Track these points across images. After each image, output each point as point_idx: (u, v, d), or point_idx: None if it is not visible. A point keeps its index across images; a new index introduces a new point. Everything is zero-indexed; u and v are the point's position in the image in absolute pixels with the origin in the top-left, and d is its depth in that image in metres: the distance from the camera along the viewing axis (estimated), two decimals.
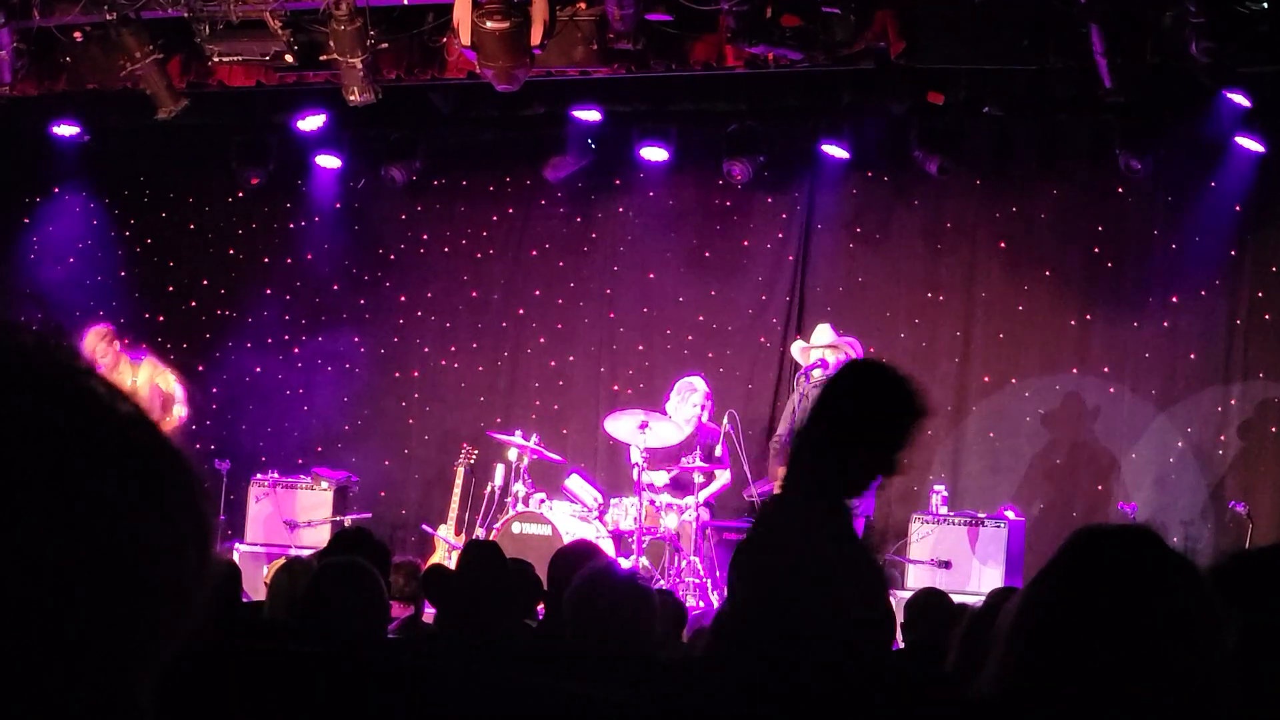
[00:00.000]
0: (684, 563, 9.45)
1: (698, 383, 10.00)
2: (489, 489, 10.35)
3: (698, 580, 9.35)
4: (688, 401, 9.91)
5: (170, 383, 10.46)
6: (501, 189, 11.78)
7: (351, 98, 9.28)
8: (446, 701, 2.27)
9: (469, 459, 10.51)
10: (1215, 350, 10.22)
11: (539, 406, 11.55)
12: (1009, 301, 10.72)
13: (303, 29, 9.24)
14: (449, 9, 8.64)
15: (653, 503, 9.67)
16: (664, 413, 9.87)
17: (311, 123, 10.87)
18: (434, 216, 11.90)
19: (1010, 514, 9.66)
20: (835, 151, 10.72)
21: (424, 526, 10.72)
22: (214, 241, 12.17)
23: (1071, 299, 10.57)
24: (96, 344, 10.25)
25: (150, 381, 10.39)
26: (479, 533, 10.01)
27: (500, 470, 10.31)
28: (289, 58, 9.29)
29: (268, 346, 11.89)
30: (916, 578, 9.44)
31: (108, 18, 9.08)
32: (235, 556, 10.11)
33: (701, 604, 9.08)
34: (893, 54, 8.75)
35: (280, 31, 9.14)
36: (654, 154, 11.03)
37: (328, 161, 11.65)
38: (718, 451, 9.98)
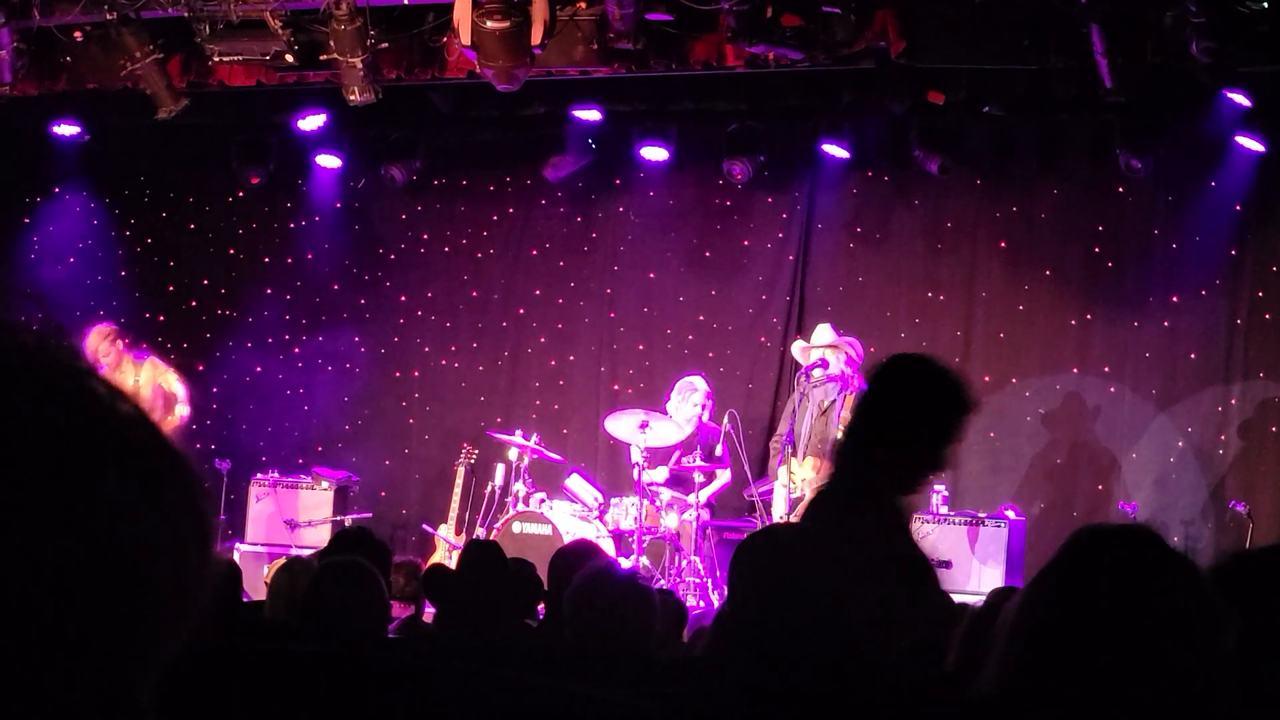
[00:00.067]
0: (684, 562, 9.45)
1: (698, 382, 10.01)
2: (489, 489, 10.35)
3: (698, 580, 9.35)
4: (688, 401, 9.91)
5: (172, 382, 10.47)
6: (502, 189, 11.78)
7: (352, 97, 9.28)
8: (447, 701, 2.27)
9: (469, 459, 10.51)
10: (1216, 350, 10.22)
11: (539, 406, 11.56)
12: (1009, 301, 10.72)
13: (303, 29, 9.24)
14: (449, 9, 8.64)
15: (653, 502, 9.67)
16: (664, 412, 9.87)
17: (312, 122, 10.87)
18: (434, 216, 11.90)
19: (1010, 514, 9.66)
20: (835, 151, 10.72)
21: (424, 526, 10.72)
22: (214, 241, 12.17)
23: (1072, 298, 10.57)
24: (99, 343, 10.26)
25: (153, 381, 10.40)
26: (479, 532, 10.02)
27: (501, 470, 10.31)
28: (289, 57, 9.29)
29: (268, 346, 11.89)
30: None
31: (108, 17, 9.08)
32: (236, 556, 10.12)
33: (702, 604, 9.08)
34: (893, 54, 8.75)
35: (280, 31, 9.14)
36: (654, 153, 11.03)
37: (328, 161, 11.65)
38: (718, 451, 9.98)
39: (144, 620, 0.86)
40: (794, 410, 9.36)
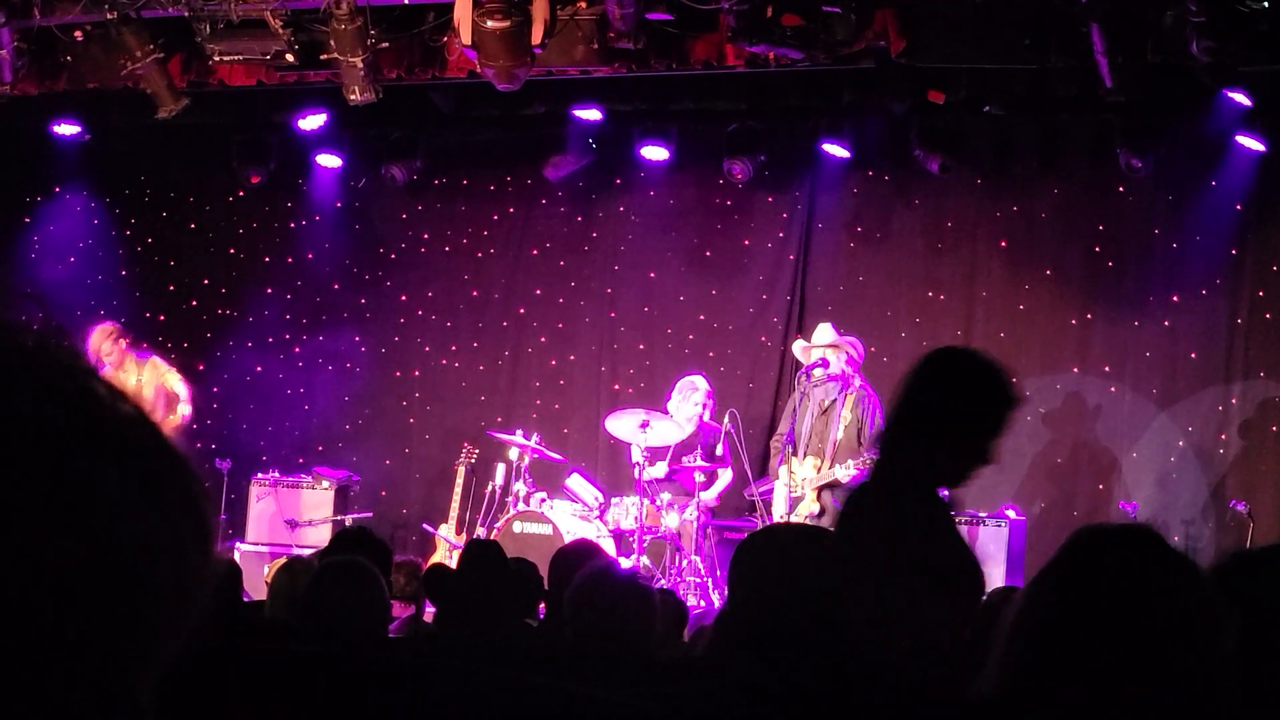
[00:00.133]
0: (685, 562, 9.45)
1: (699, 381, 10.01)
2: (490, 488, 10.35)
3: (699, 579, 9.35)
4: (689, 400, 9.91)
5: (175, 382, 10.47)
6: (502, 188, 11.78)
7: (352, 97, 9.28)
8: (447, 701, 2.27)
9: (470, 458, 10.51)
10: (1216, 349, 10.22)
11: (540, 406, 11.56)
12: (1010, 300, 10.72)
13: (303, 28, 9.24)
14: (449, 8, 8.64)
15: (654, 501, 9.67)
16: (665, 412, 9.88)
17: (312, 122, 10.87)
18: (435, 215, 11.90)
19: (1011, 513, 9.66)
20: (836, 151, 10.72)
21: (425, 526, 10.72)
22: (215, 241, 12.18)
23: (1072, 298, 10.57)
24: (102, 342, 10.27)
25: (155, 380, 10.41)
26: (480, 532, 10.02)
27: (501, 469, 10.31)
28: (290, 57, 9.28)
29: (268, 346, 11.90)
30: None
31: (108, 17, 9.08)
32: (236, 556, 10.12)
33: (702, 603, 9.08)
34: (893, 53, 8.74)
35: (281, 31, 9.14)
36: (655, 153, 11.03)
37: (328, 161, 11.65)
38: (719, 450, 9.98)
39: (144, 620, 0.87)
40: (794, 410, 9.36)
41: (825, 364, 9.32)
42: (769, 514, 9.31)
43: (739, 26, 8.49)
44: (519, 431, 10.30)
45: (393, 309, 11.92)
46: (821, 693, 2.63)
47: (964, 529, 9.52)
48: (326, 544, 6.86)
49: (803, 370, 9.51)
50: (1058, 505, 10.36)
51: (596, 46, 8.91)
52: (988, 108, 9.79)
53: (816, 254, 11.18)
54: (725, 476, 9.96)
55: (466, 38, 8.48)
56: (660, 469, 9.80)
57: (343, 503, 10.85)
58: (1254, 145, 9.72)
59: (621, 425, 9.86)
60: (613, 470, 10.91)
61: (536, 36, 8.44)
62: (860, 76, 9.56)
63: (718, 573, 9.34)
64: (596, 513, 9.80)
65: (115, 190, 12.23)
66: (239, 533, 10.77)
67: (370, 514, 10.80)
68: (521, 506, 9.84)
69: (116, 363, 10.31)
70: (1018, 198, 10.71)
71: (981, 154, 10.71)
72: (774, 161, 10.94)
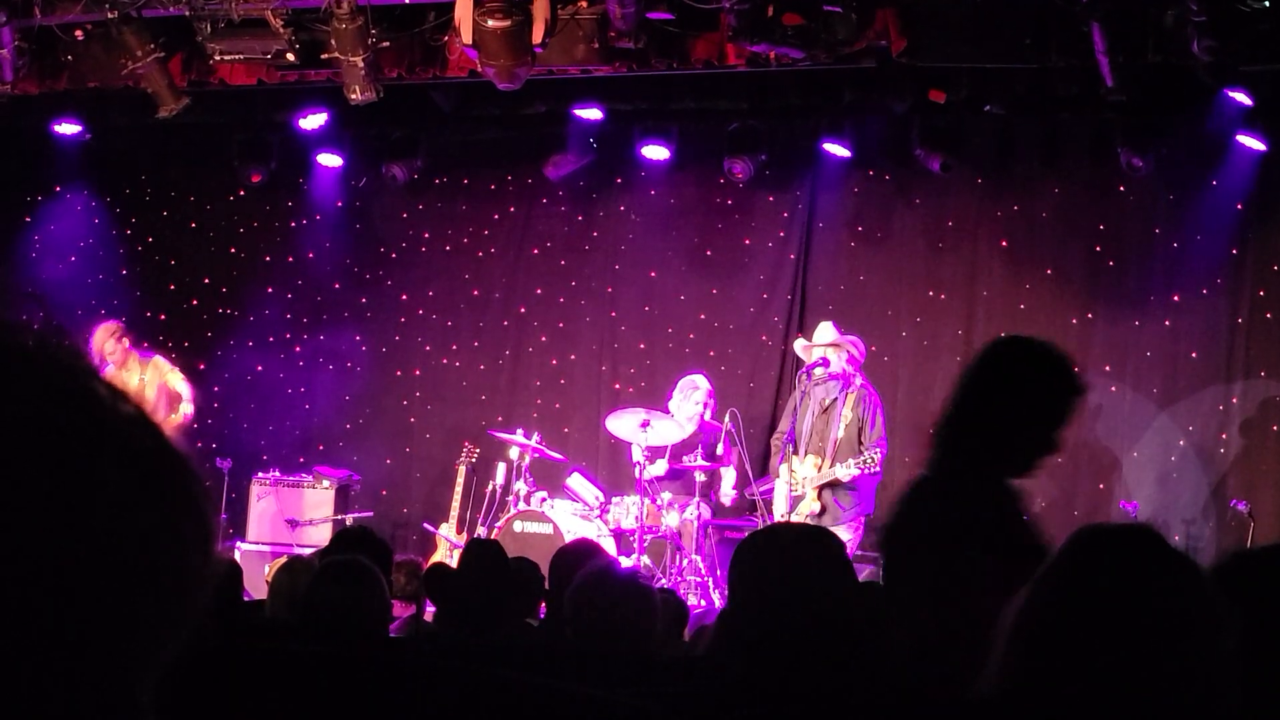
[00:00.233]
0: (685, 561, 9.45)
1: (700, 381, 10.01)
2: (490, 488, 10.35)
3: (699, 579, 9.35)
4: (690, 399, 9.92)
5: (177, 382, 10.47)
6: (503, 187, 11.78)
7: (353, 96, 9.28)
8: (447, 701, 2.27)
9: (470, 457, 10.51)
10: (1217, 349, 10.22)
11: (540, 405, 11.56)
12: (1011, 300, 10.72)
13: (304, 27, 9.24)
14: (450, 8, 8.64)
15: (654, 501, 9.68)
16: (667, 411, 9.88)
17: (313, 121, 10.87)
18: (435, 215, 11.90)
19: None
20: (837, 150, 10.72)
21: (425, 525, 10.73)
22: (215, 240, 12.18)
23: (1073, 297, 10.57)
24: (105, 340, 10.27)
25: (158, 380, 10.41)
26: (480, 531, 10.02)
27: (502, 469, 10.31)
28: (290, 56, 9.29)
29: (269, 345, 11.90)
30: None
31: (109, 16, 9.08)
32: (237, 555, 10.12)
33: (703, 603, 9.08)
34: (894, 52, 8.74)
35: (282, 30, 9.14)
36: (655, 152, 11.03)
37: (329, 160, 11.65)
38: (719, 450, 9.98)
39: (144, 620, 0.87)
40: (795, 408, 9.36)
41: (826, 363, 9.31)
42: (770, 513, 9.31)
43: (740, 26, 8.49)
44: (520, 431, 10.29)
45: (393, 308, 11.92)
46: (821, 692, 2.63)
47: None
48: (327, 543, 6.86)
49: (804, 369, 9.51)
50: (1058, 505, 10.34)
51: (597, 46, 8.91)
52: (989, 107, 9.79)
53: (817, 253, 11.18)
54: (729, 474, 9.96)
55: (467, 37, 8.48)
56: (660, 466, 9.80)
57: (343, 502, 10.86)
58: (1255, 145, 9.72)
59: (622, 425, 9.86)
60: (613, 470, 10.91)
61: (537, 36, 8.44)
62: (861, 76, 9.56)
63: (718, 572, 9.34)
64: (597, 512, 9.80)
65: (116, 189, 12.23)
66: (240, 532, 10.77)
67: (371, 513, 10.80)
68: (522, 506, 9.84)
69: (119, 362, 10.31)
70: (1019, 197, 10.71)
71: (982, 153, 10.71)
72: (775, 161, 10.94)
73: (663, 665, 4.11)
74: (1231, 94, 9.14)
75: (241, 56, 9.42)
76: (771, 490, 9.39)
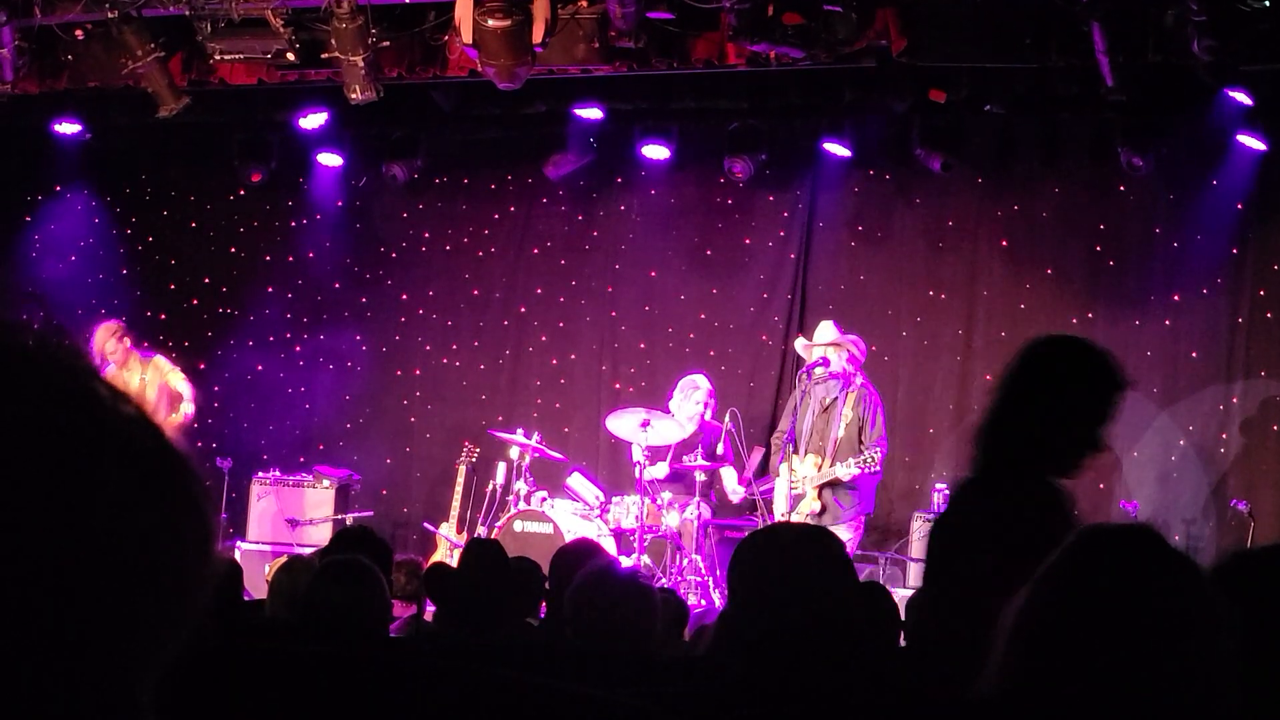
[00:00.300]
0: (685, 561, 9.45)
1: (701, 381, 10.01)
2: (491, 487, 10.35)
3: (699, 578, 9.35)
4: (690, 399, 9.92)
5: (178, 381, 10.47)
6: (503, 187, 11.78)
7: (353, 96, 9.28)
8: (447, 701, 2.27)
9: (471, 457, 10.51)
10: (1217, 348, 10.22)
11: (540, 405, 11.56)
12: (1011, 300, 10.72)
13: (304, 27, 9.24)
14: (450, 7, 8.64)
15: (654, 500, 9.67)
16: (668, 410, 9.88)
17: (313, 121, 10.87)
18: (435, 214, 11.90)
19: None
20: (837, 149, 10.72)
21: (426, 525, 10.73)
22: (215, 239, 12.18)
23: (1073, 297, 10.57)
24: (106, 340, 10.27)
25: (159, 379, 10.41)
26: (481, 531, 10.02)
27: (502, 468, 10.31)
28: (291, 56, 9.29)
29: (269, 344, 11.90)
30: (918, 576, 9.43)
31: (109, 16, 9.08)
32: (237, 554, 10.12)
33: (703, 602, 9.08)
34: (894, 52, 8.75)
35: (282, 29, 9.14)
36: (655, 152, 11.03)
37: (329, 159, 11.66)
38: (719, 449, 9.98)
39: (144, 621, 0.87)
40: (795, 407, 9.36)
41: (826, 362, 9.31)
42: (770, 513, 9.31)
43: (740, 25, 8.49)
44: (520, 430, 10.29)
45: (393, 308, 11.92)
46: (821, 692, 2.63)
47: None
48: (327, 543, 6.86)
49: (804, 369, 9.51)
50: None
51: (597, 45, 8.91)
52: (989, 107, 9.79)
53: (817, 253, 11.18)
54: (729, 471, 9.95)
55: (467, 36, 8.48)
56: (662, 470, 9.80)
57: (343, 501, 10.86)
58: (1255, 144, 9.72)
59: (622, 424, 9.86)
60: (613, 469, 10.91)
61: (537, 35, 8.44)
62: (861, 75, 9.56)
63: (718, 572, 9.34)
64: (597, 512, 9.80)
65: (116, 189, 12.23)
66: (240, 531, 10.77)
67: (371, 513, 10.80)
68: (522, 505, 9.84)
69: (120, 361, 10.31)
70: (1019, 197, 10.71)
71: (983, 153, 10.71)
72: (775, 160, 10.94)
73: (663, 665, 4.11)
74: (1231, 94, 9.14)
75: (242, 56, 9.43)
76: (772, 490, 9.39)
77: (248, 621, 5.06)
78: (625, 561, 8.52)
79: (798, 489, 9.15)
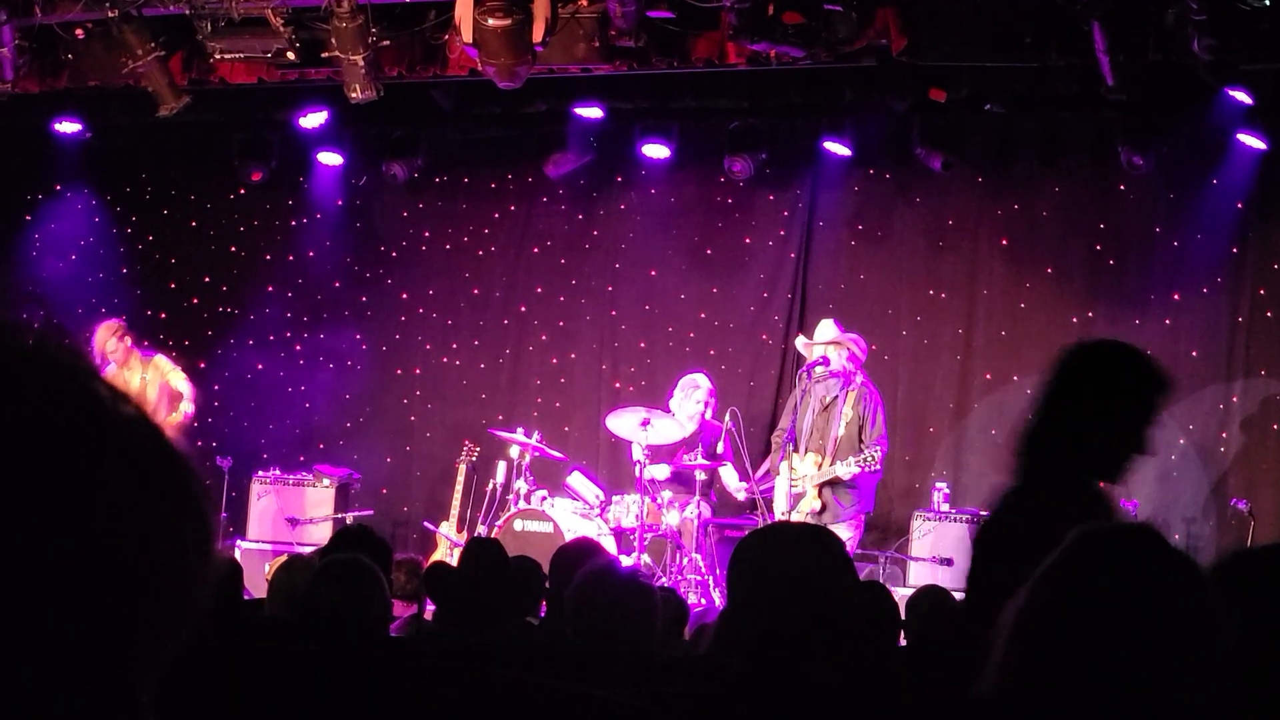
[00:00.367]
0: (686, 560, 9.45)
1: (701, 380, 10.00)
2: (491, 486, 10.35)
3: (699, 577, 9.35)
4: (691, 398, 9.91)
5: (179, 381, 10.47)
6: (503, 186, 11.78)
7: (353, 95, 9.28)
8: (447, 701, 2.27)
9: (471, 456, 10.51)
10: (1217, 347, 10.23)
11: (541, 404, 11.56)
12: (1011, 299, 10.72)
13: (304, 26, 9.25)
14: (450, 6, 8.64)
15: (654, 499, 9.67)
16: (668, 410, 9.88)
17: (313, 120, 10.87)
18: (436, 213, 11.90)
19: None
20: (837, 149, 10.72)
21: (426, 524, 10.72)
22: (215, 239, 12.18)
23: (1073, 296, 10.57)
24: (107, 339, 10.26)
25: (159, 379, 10.41)
26: (481, 530, 10.02)
27: (502, 467, 10.31)
28: (291, 55, 9.29)
29: (269, 343, 11.90)
30: (918, 575, 9.44)
31: (109, 15, 9.08)
32: (237, 554, 10.12)
33: (703, 601, 9.08)
34: (894, 51, 8.75)
35: (282, 29, 9.14)
36: (656, 151, 11.03)
37: (329, 159, 11.65)
38: (719, 449, 9.98)
39: (144, 620, 0.87)
40: (795, 406, 9.36)
41: (826, 361, 9.31)
42: (770, 511, 9.31)
43: (740, 24, 8.49)
44: (520, 429, 10.29)
45: (394, 307, 11.92)
46: (821, 692, 2.63)
47: (965, 528, 9.53)
48: (327, 542, 6.86)
49: (804, 367, 9.51)
50: None
51: (598, 44, 8.91)
52: (989, 106, 9.79)
53: (818, 252, 11.18)
54: (730, 470, 9.95)
55: (468, 35, 8.48)
56: (663, 470, 9.80)
57: (343, 500, 10.86)
58: (1255, 143, 9.72)
59: (622, 423, 9.86)
60: (614, 468, 10.91)
61: (538, 34, 8.44)
62: (861, 74, 9.56)
63: (718, 571, 9.33)
64: (597, 511, 9.80)
65: (116, 188, 12.23)
66: (240, 530, 10.77)
67: (371, 512, 10.80)
68: (522, 504, 9.84)
69: (121, 360, 10.30)
70: (1019, 196, 10.71)
71: (983, 152, 10.71)
72: (775, 159, 10.94)
73: (663, 665, 4.11)
74: (1232, 93, 9.15)
75: (242, 55, 9.43)
76: (772, 489, 9.39)
77: (247, 621, 5.06)
78: (625, 561, 8.52)
79: (798, 487, 9.15)
